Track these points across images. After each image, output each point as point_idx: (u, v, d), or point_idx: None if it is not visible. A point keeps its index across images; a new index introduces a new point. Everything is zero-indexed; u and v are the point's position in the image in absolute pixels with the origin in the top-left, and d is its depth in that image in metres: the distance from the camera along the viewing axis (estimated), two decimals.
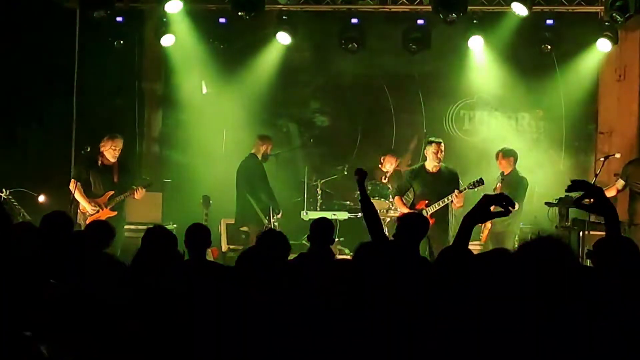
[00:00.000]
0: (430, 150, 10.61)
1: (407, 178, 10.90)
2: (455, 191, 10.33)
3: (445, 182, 10.54)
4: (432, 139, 10.76)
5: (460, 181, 10.79)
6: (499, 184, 10.99)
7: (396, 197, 11.05)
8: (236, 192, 11.81)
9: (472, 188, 10.43)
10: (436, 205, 10.39)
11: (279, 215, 11.59)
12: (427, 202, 10.45)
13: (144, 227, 7.92)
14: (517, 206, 10.73)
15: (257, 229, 11.03)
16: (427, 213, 10.30)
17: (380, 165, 12.66)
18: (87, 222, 10.27)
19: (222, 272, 6.08)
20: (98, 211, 10.59)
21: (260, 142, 11.86)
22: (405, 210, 10.46)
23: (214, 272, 6.07)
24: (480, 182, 10.42)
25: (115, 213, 10.64)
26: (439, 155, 10.54)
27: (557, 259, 3.46)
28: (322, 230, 7.31)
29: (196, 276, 5.33)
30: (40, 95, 12.31)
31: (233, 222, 12.09)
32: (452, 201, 10.35)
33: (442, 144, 10.61)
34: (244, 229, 11.86)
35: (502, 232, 10.82)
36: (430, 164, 10.64)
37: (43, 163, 12.05)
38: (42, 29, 12.09)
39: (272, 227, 11.07)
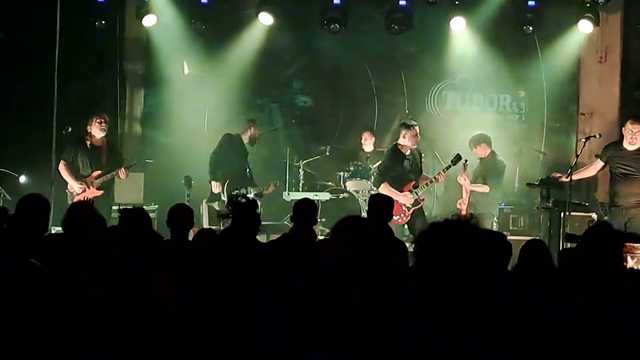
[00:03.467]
0: (410, 134, 10.26)
1: (389, 160, 10.48)
2: (442, 171, 10.43)
3: (418, 162, 10.53)
4: (412, 122, 10.50)
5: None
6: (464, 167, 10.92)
7: (383, 184, 10.28)
8: None
9: (454, 164, 10.51)
10: (424, 187, 10.39)
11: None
12: (413, 183, 10.38)
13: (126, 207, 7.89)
14: (487, 188, 10.79)
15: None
16: (416, 195, 10.28)
17: (361, 144, 12.61)
18: (75, 200, 10.23)
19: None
20: (85, 190, 10.53)
21: (248, 125, 11.80)
22: (398, 195, 10.03)
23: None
24: (459, 157, 10.49)
25: (102, 193, 10.57)
26: (417, 138, 10.39)
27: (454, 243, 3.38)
28: (305, 210, 7.30)
29: (179, 256, 5.32)
30: (21, 76, 12.22)
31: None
32: (435, 179, 10.43)
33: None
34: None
35: (480, 213, 10.81)
36: (407, 147, 10.36)
37: (24, 143, 11.98)
38: (22, 9, 11.99)
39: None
